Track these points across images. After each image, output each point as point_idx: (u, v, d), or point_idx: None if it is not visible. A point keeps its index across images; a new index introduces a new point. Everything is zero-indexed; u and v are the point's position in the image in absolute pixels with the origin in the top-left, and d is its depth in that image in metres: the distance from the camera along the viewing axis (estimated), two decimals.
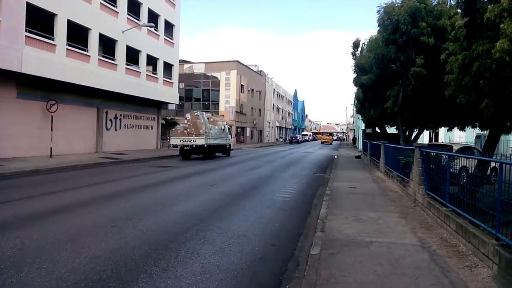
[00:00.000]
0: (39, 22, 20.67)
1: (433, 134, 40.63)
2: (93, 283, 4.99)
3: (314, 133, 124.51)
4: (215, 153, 28.40)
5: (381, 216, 9.29)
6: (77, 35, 23.00)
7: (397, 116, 19.99)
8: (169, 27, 34.14)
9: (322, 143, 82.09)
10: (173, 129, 27.54)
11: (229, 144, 31.97)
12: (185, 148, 26.00)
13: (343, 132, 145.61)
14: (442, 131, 35.96)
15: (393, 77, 19.14)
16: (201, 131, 25.67)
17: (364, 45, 22.79)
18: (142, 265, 5.70)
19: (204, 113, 29.10)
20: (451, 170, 8.23)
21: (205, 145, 25.47)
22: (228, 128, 32.56)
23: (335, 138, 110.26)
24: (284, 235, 7.96)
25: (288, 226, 8.73)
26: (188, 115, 27.20)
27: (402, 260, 6.02)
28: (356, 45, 23.71)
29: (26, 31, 18.72)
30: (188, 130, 25.84)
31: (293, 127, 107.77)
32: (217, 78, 57.55)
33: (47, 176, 15.33)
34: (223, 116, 39.86)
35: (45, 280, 5.03)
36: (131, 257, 6.02)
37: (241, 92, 59.32)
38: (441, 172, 8.86)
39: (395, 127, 26.34)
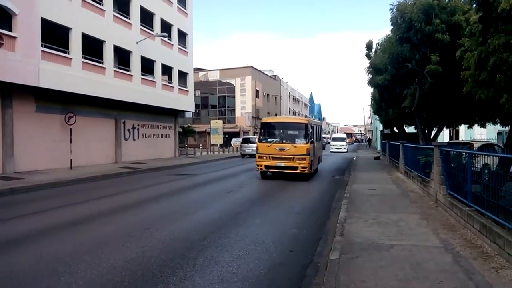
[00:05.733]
0: (54, 37, 21.02)
1: (453, 132, 39.97)
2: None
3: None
4: None
5: (402, 218, 9.09)
6: (92, 47, 23.30)
7: (415, 115, 19.66)
8: (182, 36, 34.38)
9: (263, 171, 18.46)
10: None
11: None
12: None
13: (361, 133, 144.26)
14: (462, 128, 35.35)
15: (409, 76, 18.87)
16: None
17: (378, 45, 22.54)
18: (159, 275, 5.66)
19: None
20: (472, 168, 8.01)
21: None
22: None
23: (347, 141, 56.60)
24: (303, 240, 7.85)
25: (307, 231, 8.62)
26: None
27: (424, 264, 5.85)
28: (369, 46, 23.46)
29: (42, 46, 19.03)
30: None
31: None
32: (232, 85, 57.74)
33: (67, 188, 15.51)
34: None
35: None
36: (148, 267, 5.99)
37: (257, 97, 59.36)
38: (462, 171, 8.64)
39: (413, 126, 25.95)
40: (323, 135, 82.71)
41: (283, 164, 17.36)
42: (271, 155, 17.51)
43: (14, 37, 17.32)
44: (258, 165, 17.98)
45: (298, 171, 17.21)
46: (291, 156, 17.23)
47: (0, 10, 17.00)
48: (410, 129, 31.12)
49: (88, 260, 6.30)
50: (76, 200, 12.57)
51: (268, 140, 18.08)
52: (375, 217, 9.14)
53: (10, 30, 17.39)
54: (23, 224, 9.10)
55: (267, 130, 18.98)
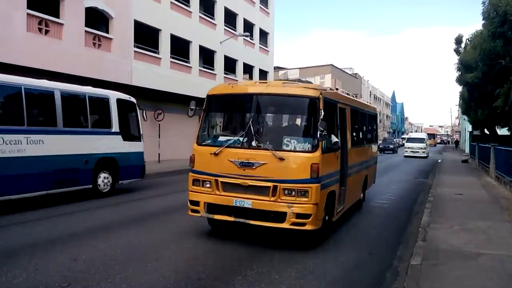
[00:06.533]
0: (146, 38, 22.35)
1: None
2: (192, 282, 5.27)
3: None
4: None
5: (492, 225, 8.54)
6: (179, 48, 24.45)
7: (508, 116, 18.29)
8: (263, 35, 34.87)
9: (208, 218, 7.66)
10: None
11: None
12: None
13: (447, 134, 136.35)
14: None
15: (502, 74, 17.56)
16: None
17: (468, 40, 21.22)
18: (238, 267, 5.88)
19: None
20: None
21: None
22: None
23: (428, 143, 42.78)
24: (382, 243, 7.69)
25: (386, 234, 8.42)
26: None
27: None
28: (458, 41, 22.18)
29: (134, 46, 20.42)
30: None
31: (391, 131, 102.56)
32: (312, 83, 57.29)
33: (155, 180, 16.54)
34: None
35: (149, 277, 5.43)
36: (228, 259, 6.24)
37: None
38: None
39: (506, 128, 24.11)
40: (404, 136, 76.04)
41: (247, 204, 6.77)
42: (220, 179, 7.03)
43: (110, 39, 18.79)
44: (191, 202, 7.44)
45: (284, 225, 6.56)
46: (268, 185, 6.64)
47: (98, 13, 18.52)
48: (502, 131, 28.91)
49: (173, 249, 6.71)
50: (163, 191, 13.41)
51: (219, 140, 7.70)
52: (462, 223, 8.67)
53: (107, 32, 18.88)
54: (114, 213, 9.91)
55: (218, 115, 9.21)
